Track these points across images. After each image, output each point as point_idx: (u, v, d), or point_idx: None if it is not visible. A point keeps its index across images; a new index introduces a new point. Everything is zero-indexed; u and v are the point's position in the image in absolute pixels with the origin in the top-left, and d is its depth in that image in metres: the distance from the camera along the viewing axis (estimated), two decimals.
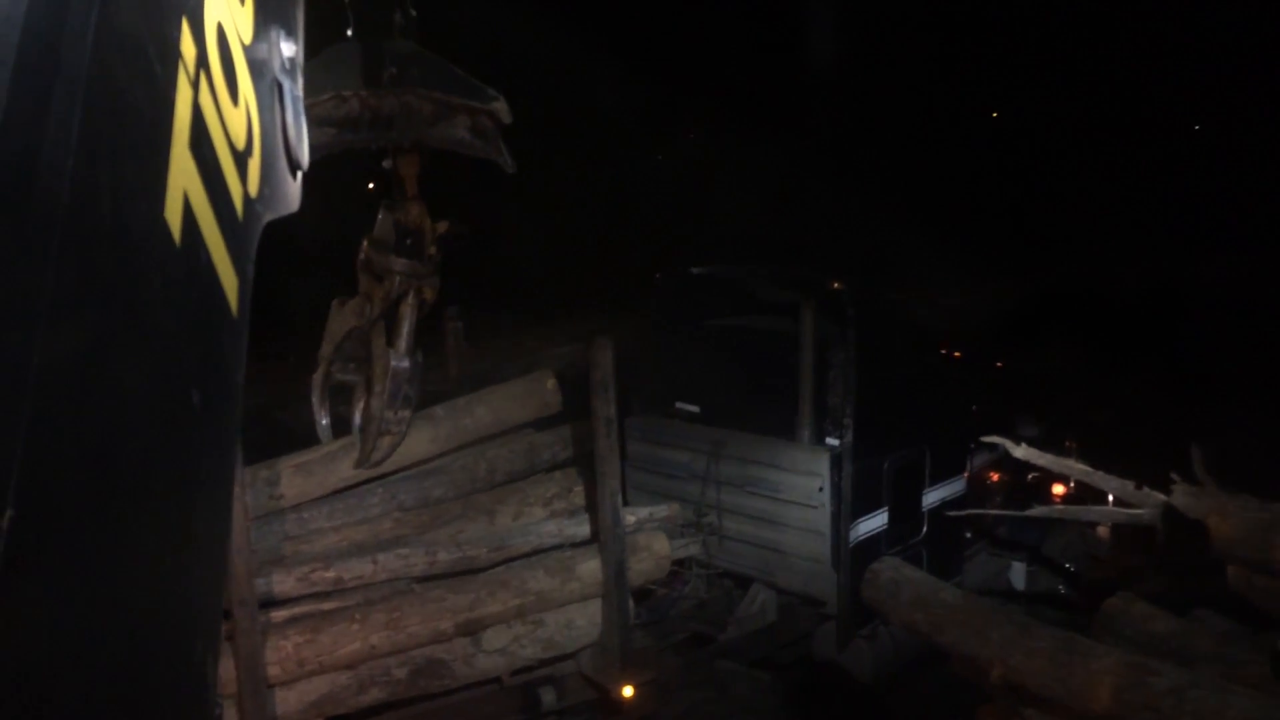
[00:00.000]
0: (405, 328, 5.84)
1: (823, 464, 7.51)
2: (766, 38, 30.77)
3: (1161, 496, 6.67)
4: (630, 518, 7.24)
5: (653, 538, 7.36)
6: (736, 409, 8.32)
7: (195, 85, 1.24)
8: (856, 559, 7.59)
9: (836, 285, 7.67)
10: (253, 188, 1.47)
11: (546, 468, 7.66)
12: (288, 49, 1.68)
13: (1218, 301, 20.43)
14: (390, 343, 5.95)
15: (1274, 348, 16.10)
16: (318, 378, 6.36)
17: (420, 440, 7.08)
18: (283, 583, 6.10)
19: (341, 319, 6.15)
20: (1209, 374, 15.17)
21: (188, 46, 1.22)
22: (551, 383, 7.68)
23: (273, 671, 5.80)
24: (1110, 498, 7.56)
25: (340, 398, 6.69)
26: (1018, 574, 9.50)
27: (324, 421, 6.52)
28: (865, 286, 8.46)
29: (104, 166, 1.01)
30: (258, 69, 1.52)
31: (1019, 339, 17.12)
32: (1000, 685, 6.30)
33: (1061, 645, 6.02)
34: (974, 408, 8.98)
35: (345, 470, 6.71)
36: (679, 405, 8.83)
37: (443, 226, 5.60)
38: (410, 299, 5.73)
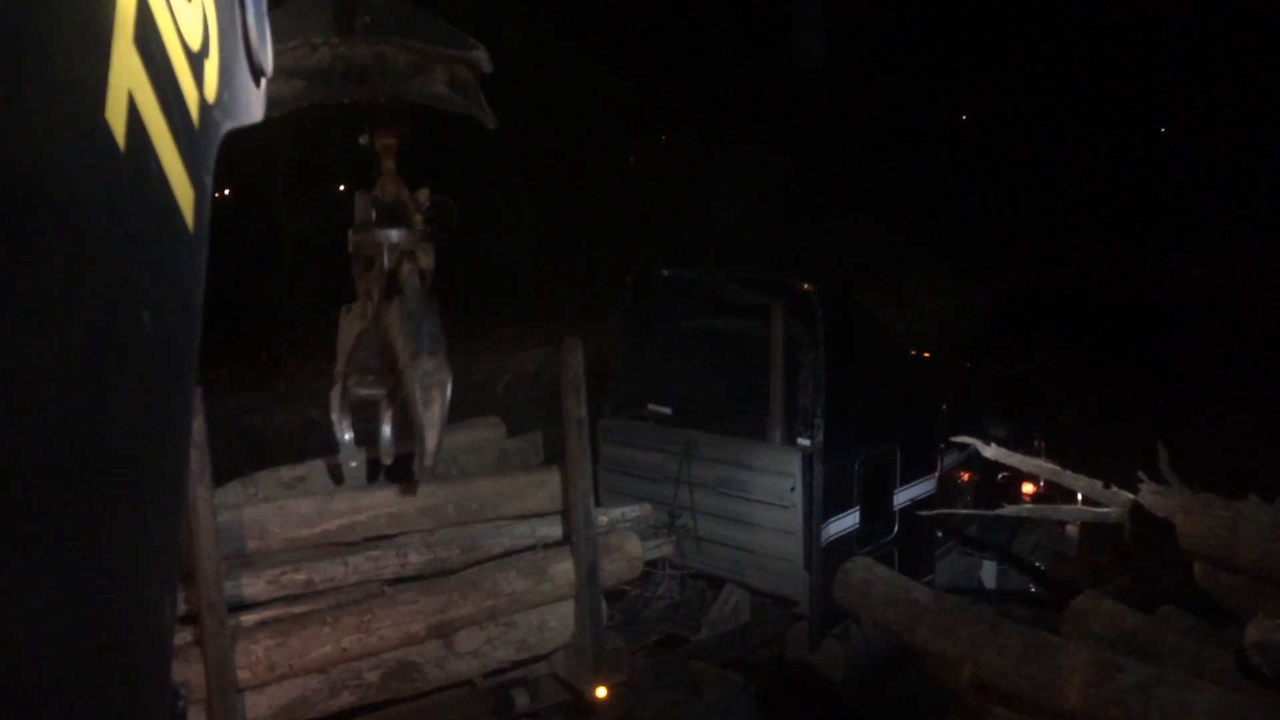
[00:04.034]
0: (410, 287, 5.45)
1: (794, 464, 7.54)
2: (742, 40, 30.82)
3: (1129, 495, 6.73)
4: (603, 519, 7.24)
5: (625, 538, 7.36)
6: (708, 410, 8.34)
7: None
8: (828, 559, 7.63)
9: (806, 287, 7.70)
10: (210, 93, 1.33)
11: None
12: None
13: (1182, 300, 20.70)
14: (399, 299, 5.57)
15: (1240, 346, 16.34)
16: (335, 392, 6.02)
17: (411, 505, 6.93)
18: (252, 586, 6.05)
19: (348, 324, 5.83)
20: (1175, 372, 15.37)
21: None
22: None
23: (242, 675, 5.74)
24: (1079, 497, 7.62)
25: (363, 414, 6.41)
26: (988, 573, 9.58)
27: (347, 436, 6.18)
28: (834, 288, 8.51)
29: (31, 58, 0.91)
30: None
31: (992, 340, 17.28)
32: (970, 683, 6.36)
33: (1030, 643, 6.08)
34: (944, 407, 9.04)
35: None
36: (651, 407, 8.85)
37: (423, 195, 5.28)
38: (406, 268, 5.41)
